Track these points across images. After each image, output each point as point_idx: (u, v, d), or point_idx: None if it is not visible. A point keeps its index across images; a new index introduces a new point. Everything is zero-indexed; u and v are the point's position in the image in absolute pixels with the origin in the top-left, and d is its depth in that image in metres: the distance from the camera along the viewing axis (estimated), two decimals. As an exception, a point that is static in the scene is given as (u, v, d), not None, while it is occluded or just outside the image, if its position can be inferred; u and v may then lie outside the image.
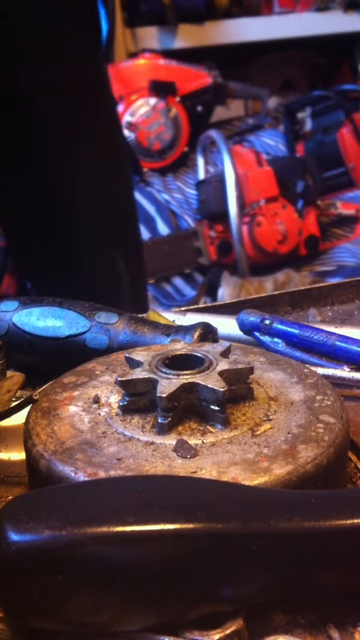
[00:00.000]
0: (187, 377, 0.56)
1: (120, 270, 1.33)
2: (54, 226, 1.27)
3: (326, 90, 3.11)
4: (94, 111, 1.30)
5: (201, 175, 2.83)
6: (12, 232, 1.38)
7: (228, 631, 0.44)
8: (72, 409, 0.58)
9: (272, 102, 3.20)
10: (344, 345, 0.74)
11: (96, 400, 0.59)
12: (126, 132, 2.73)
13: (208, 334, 0.72)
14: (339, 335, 0.75)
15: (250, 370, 0.57)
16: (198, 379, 0.56)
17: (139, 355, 0.60)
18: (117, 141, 1.42)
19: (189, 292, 2.61)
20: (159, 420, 0.54)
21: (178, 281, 2.66)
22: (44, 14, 1.17)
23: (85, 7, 1.26)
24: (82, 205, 1.28)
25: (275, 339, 0.77)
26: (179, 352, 0.60)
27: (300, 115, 3.02)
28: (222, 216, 2.62)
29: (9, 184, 1.27)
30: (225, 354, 0.60)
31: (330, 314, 0.95)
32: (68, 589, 0.42)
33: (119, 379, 0.57)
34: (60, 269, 1.30)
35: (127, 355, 0.61)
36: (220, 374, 0.56)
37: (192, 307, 0.98)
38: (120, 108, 2.74)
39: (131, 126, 2.80)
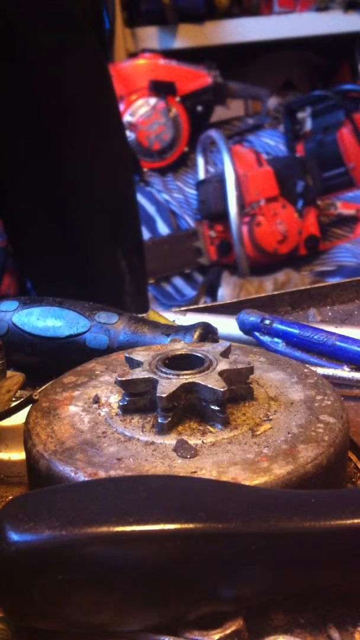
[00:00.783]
0: (187, 377, 0.56)
1: (122, 270, 1.33)
2: (57, 226, 1.27)
3: (326, 90, 3.11)
4: (96, 111, 1.30)
5: (201, 175, 2.82)
6: (15, 231, 1.38)
7: (228, 631, 0.44)
8: (72, 409, 0.58)
9: (272, 102, 3.20)
10: (344, 345, 0.74)
11: (96, 400, 0.59)
12: (126, 132, 2.73)
13: (208, 334, 0.72)
14: (339, 335, 0.75)
15: (250, 370, 0.57)
16: (198, 379, 0.56)
17: (139, 355, 0.60)
18: (120, 140, 1.42)
19: (189, 292, 2.61)
20: (159, 420, 0.54)
21: (178, 281, 2.66)
22: (46, 14, 1.17)
23: (88, 7, 1.26)
24: (85, 204, 1.28)
25: (275, 339, 0.77)
26: (179, 352, 0.60)
27: (300, 115, 3.02)
28: (222, 216, 2.62)
29: (12, 184, 1.27)
30: (225, 354, 0.60)
31: (330, 314, 0.95)
32: (68, 589, 0.42)
33: (119, 379, 0.57)
34: (63, 268, 1.30)
35: (127, 355, 0.61)
36: (220, 374, 0.56)
37: (192, 307, 0.98)
38: (120, 108, 2.73)
39: (131, 126, 2.80)
